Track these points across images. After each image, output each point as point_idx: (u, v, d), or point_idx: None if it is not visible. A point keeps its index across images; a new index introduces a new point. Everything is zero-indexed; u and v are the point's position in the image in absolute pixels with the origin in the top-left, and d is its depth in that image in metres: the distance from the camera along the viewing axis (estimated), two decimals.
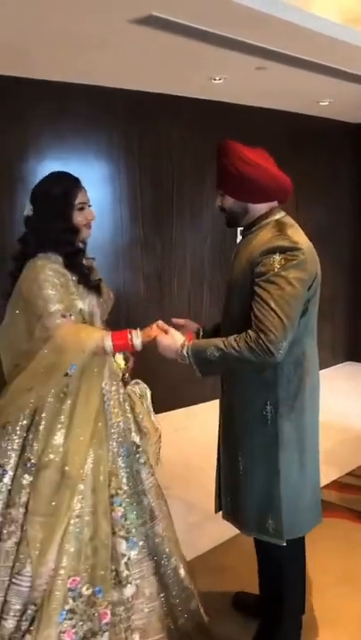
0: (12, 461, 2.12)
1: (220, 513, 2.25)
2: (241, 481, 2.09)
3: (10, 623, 2.01)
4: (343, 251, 6.11)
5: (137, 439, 2.24)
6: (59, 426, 2.09)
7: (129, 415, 2.26)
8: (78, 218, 2.17)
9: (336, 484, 3.58)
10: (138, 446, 2.23)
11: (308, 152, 5.58)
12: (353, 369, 6.06)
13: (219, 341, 1.93)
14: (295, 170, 5.52)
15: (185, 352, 1.97)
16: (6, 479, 2.11)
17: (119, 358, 2.24)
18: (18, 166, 3.92)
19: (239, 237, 2.20)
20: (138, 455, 2.22)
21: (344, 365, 6.20)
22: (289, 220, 2.06)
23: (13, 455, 2.12)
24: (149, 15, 2.71)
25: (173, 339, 2.03)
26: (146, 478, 2.23)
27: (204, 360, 1.94)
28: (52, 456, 2.06)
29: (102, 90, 4.15)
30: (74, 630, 1.99)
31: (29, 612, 2.00)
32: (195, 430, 4.21)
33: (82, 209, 2.18)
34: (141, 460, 2.23)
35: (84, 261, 2.24)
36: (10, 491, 2.10)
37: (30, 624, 1.98)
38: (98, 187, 4.25)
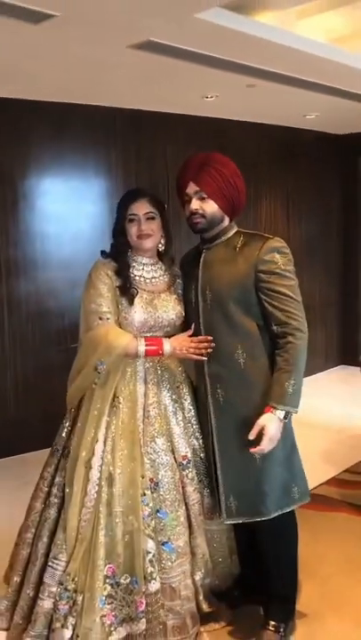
0: (60, 446, 2.33)
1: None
2: (258, 471, 2.17)
3: (47, 604, 2.15)
4: (333, 259, 6.31)
5: (187, 453, 2.30)
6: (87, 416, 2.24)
7: (180, 423, 2.31)
8: (130, 230, 2.26)
9: (334, 481, 3.73)
10: (188, 461, 2.30)
11: (297, 163, 5.78)
12: (346, 372, 6.22)
13: (283, 374, 2.09)
14: (284, 181, 5.77)
15: (283, 417, 2.08)
16: (55, 459, 2.33)
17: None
18: (21, 184, 4.08)
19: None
20: (186, 471, 2.29)
21: (338, 369, 6.37)
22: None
23: (62, 441, 2.33)
24: (147, 40, 2.89)
25: (276, 426, 2.07)
26: (191, 493, 2.29)
27: (294, 397, 2.08)
28: (74, 444, 2.24)
29: (100, 109, 4.33)
30: (113, 613, 2.13)
31: (63, 594, 2.13)
32: None
33: (131, 220, 2.26)
34: (189, 476, 2.30)
35: (141, 272, 2.30)
36: (56, 469, 2.31)
37: (70, 609, 2.11)
38: (97, 202, 4.42)
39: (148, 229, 2.26)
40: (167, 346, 2.19)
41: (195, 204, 2.19)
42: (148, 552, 2.17)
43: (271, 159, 5.54)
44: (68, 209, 4.32)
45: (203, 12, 2.57)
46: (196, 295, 2.24)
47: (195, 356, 2.20)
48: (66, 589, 2.12)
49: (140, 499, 2.18)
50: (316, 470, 3.84)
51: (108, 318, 2.22)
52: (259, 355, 2.15)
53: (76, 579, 2.13)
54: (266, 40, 2.99)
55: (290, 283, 2.12)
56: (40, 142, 4.13)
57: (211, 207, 2.18)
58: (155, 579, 2.18)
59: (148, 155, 4.70)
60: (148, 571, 2.17)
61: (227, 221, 2.25)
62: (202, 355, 2.19)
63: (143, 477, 2.20)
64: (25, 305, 4.19)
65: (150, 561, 2.17)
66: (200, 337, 2.20)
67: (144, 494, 2.19)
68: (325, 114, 5.03)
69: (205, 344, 2.18)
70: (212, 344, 2.19)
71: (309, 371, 6.07)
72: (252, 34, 2.89)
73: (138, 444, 2.22)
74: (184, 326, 2.34)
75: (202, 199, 2.18)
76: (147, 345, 2.17)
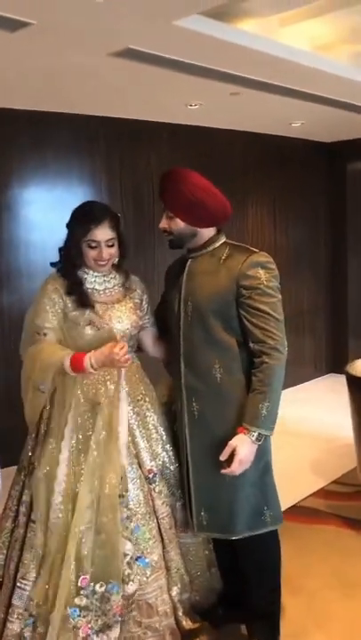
0: (26, 462, 2.26)
1: None
2: (229, 489, 2.13)
3: (16, 626, 2.08)
4: (321, 267, 6.29)
5: (153, 466, 2.26)
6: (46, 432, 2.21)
7: (143, 437, 2.27)
8: (88, 254, 2.21)
9: (322, 492, 3.68)
10: (154, 474, 2.27)
11: (283, 171, 5.76)
12: (335, 381, 6.17)
13: (256, 395, 2.03)
14: (271, 189, 5.76)
15: (255, 439, 2.03)
16: (21, 476, 2.27)
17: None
18: (4, 193, 4.03)
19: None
20: (153, 485, 2.26)
21: (326, 378, 6.33)
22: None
23: (27, 457, 2.26)
24: (127, 48, 2.85)
25: (248, 448, 2.03)
26: (160, 507, 2.26)
27: (268, 419, 2.03)
28: (36, 462, 2.19)
29: (84, 118, 4.29)
30: (89, 626, 2.07)
31: (29, 620, 2.07)
32: None
33: (92, 247, 2.19)
34: (157, 490, 2.26)
35: (93, 284, 2.27)
36: (23, 487, 2.25)
37: (34, 631, 2.05)
38: None
39: (107, 255, 2.22)
40: (87, 362, 2.07)
41: (163, 223, 2.19)
42: (126, 554, 2.12)
43: (257, 167, 5.51)
44: (52, 217, 4.24)
45: (182, 19, 2.53)
46: (179, 306, 2.20)
47: (118, 365, 2.10)
48: (30, 615, 2.07)
49: (119, 500, 2.13)
50: (305, 481, 3.81)
51: (45, 334, 2.18)
52: (236, 371, 2.11)
53: (40, 602, 2.06)
54: (248, 48, 2.95)
55: (271, 300, 2.06)
56: (23, 151, 4.07)
57: (176, 224, 2.16)
58: (132, 580, 2.14)
59: (132, 163, 4.66)
60: (126, 573, 2.13)
61: (210, 232, 2.19)
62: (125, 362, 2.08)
63: (123, 478, 2.16)
64: (8, 313, 4.13)
65: (128, 563, 2.13)
66: (116, 345, 2.07)
67: (122, 496, 2.15)
68: (311, 122, 5.01)
69: (123, 350, 2.06)
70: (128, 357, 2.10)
71: (298, 379, 6.07)
72: (233, 41, 2.86)
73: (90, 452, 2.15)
74: (166, 334, 2.32)
75: (169, 217, 2.17)
76: (71, 362, 2.08)
